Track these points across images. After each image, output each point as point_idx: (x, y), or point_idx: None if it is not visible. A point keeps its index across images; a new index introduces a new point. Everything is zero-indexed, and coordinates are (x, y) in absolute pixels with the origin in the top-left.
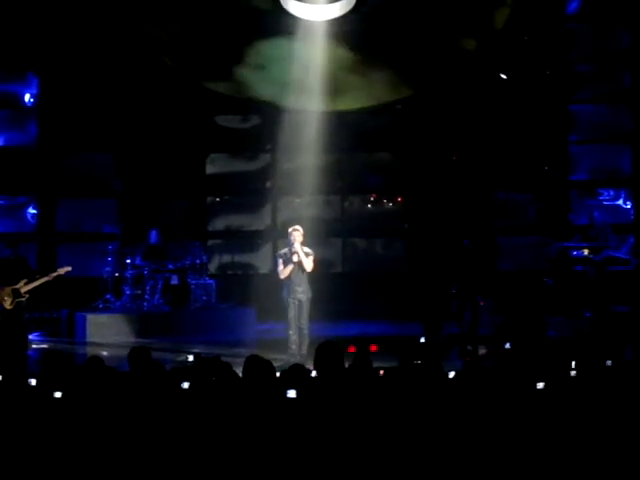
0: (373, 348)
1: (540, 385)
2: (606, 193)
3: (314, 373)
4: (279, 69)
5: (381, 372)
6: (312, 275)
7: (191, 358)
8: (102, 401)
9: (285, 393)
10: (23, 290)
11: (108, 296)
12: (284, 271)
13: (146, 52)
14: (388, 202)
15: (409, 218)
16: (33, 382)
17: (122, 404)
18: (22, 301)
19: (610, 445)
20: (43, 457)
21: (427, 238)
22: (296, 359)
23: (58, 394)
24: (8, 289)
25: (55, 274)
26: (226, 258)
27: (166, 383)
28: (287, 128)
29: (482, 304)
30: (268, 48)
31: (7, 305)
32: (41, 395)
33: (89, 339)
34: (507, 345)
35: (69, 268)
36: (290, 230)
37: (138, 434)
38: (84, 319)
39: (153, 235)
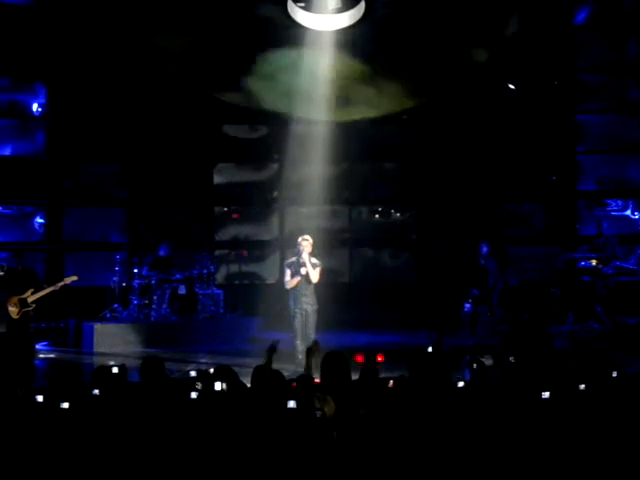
0: (379, 358)
1: (546, 394)
2: (614, 203)
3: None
4: (287, 79)
5: (390, 383)
6: (319, 285)
7: (193, 373)
8: (110, 411)
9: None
10: (30, 300)
11: (115, 306)
12: (291, 281)
13: (154, 62)
14: (396, 212)
15: (417, 228)
16: (40, 398)
17: (131, 414)
18: (29, 311)
19: (614, 455)
20: (50, 468)
21: (434, 248)
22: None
23: (65, 405)
24: (15, 299)
25: (61, 284)
26: (233, 268)
27: (176, 393)
28: (295, 138)
29: (488, 314)
30: (277, 58)
31: (14, 315)
32: (48, 406)
33: (96, 349)
34: (511, 359)
35: (75, 277)
36: (300, 240)
37: (147, 444)
38: (92, 329)
39: (163, 247)
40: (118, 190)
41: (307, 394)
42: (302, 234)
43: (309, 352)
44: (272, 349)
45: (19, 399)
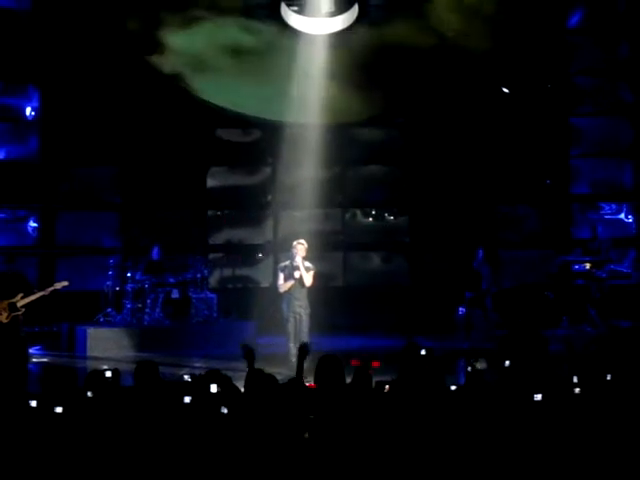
0: (375, 364)
1: (538, 397)
2: (608, 207)
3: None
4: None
5: (387, 387)
6: (312, 289)
7: (187, 377)
8: (104, 416)
9: (286, 406)
10: (19, 304)
11: (109, 310)
12: (285, 285)
13: (146, 65)
14: (389, 216)
15: (410, 232)
16: (33, 403)
17: (125, 418)
18: (18, 315)
19: (609, 458)
20: (45, 473)
21: (428, 252)
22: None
23: (59, 409)
24: (4, 303)
25: (52, 288)
26: (227, 272)
27: (170, 397)
28: (288, 141)
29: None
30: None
31: (3, 319)
32: (42, 410)
33: (89, 353)
34: (506, 363)
35: (66, 283)
36: (294, 243)
37: (141, 448)
38: (85, 333)
39: (155, 250)
40: (111, 194)
41: (299, 397)
42: (296, 238)
43: (300, 354)
44: (248, 352)
45: (12, 403)
